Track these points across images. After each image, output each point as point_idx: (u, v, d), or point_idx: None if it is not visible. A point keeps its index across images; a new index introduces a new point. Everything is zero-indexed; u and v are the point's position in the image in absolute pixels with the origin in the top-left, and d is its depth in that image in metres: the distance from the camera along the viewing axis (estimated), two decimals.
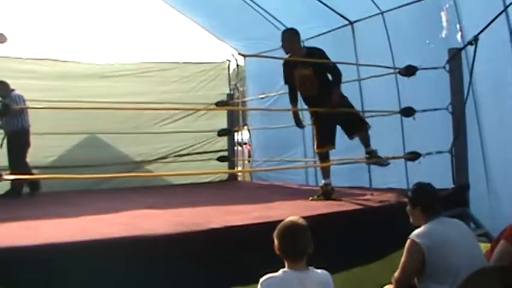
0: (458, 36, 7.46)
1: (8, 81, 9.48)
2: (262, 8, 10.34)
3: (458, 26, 7.48)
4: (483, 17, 6.36)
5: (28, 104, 8.68)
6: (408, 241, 4.07)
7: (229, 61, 12.29)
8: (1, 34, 4.84)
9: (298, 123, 7.49)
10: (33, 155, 9.98)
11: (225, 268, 4.68)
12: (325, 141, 7.25)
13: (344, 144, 9.67)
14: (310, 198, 7.14)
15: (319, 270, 3.49)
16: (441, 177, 6.65)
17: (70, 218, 5.72)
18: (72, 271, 3.99)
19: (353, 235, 5.61)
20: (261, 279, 3.38)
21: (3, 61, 9.94)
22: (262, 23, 10.58)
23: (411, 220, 4.37)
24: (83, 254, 4.11)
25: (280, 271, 3.42)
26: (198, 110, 10.46)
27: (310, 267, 3.47)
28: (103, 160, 10.15)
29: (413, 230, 4.15)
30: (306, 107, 7.44)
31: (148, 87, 11.20)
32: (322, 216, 5.63)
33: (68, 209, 6.57)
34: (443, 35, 7.74)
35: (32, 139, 8.99)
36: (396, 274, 4.10)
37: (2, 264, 3.80)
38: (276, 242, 3.50)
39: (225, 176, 11.69)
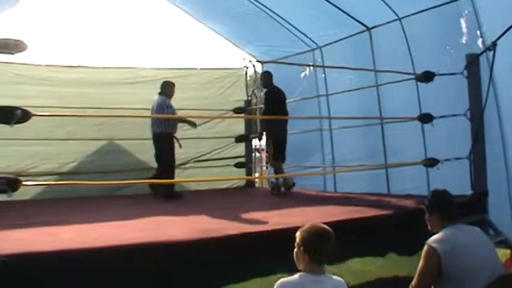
0: (479, 42, 7.41)
1: (27, 87, 9.64)
2: (279, 16, 10.34)
3: (478, 32, 7.43)
4: (504, 23, 6.32)
5: (47, 111, 8.77)
6: (425, 247, 4.06)
7: (247, 67, 12.30)
8: (21, 42, 4.88)
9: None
10: (52, 161, 10.09)
11: (243, 274, 4.69)
12: None
13: (363, 152, 9.71)
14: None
15: (334, 277, 3.46)
16: (461, 184, 6.62)
17: (89, 224, 5.76)
18: (92, 277, 4.02)
19: (370, 240, 5.62)
20: (277, 282, 3.37)
21: (23, 68, 10.04)
22: (280, 30, 10.59)
23: (429, 227, 4.36)
24: (102, 260, 4.14)
25: (297, 275, 3.39)
26: (214, 118, 10.48)
27: (326, 273, 3.43)
28: (122, 166, 10.22)
29: (430, 237, 4.14)
30: None
31: None
32: (340, 222, 5.61)
33: (87, 216, 6.59)
34: (464, 41, 7.69)
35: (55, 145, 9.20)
36: (414, 281, 4.08)
37: (21, 270, 3.83)
38: (301, 242, 3.44)
39: (242, 182, 11.69)
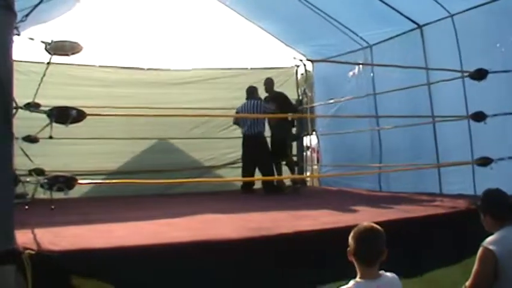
0: None
1: (82, 88, 9.85)
2: (329, 16, 10.30)
3: None
4: None
5: (98, 111, 8.93)
6: (480, 249, 4.00)
7: (298, 66, 12.28)
8: (77, 44, 4.97)
9: None
10: (104, 161, 10.26)
11: (294, 273, 4.70)
12: None
13: (411, 152, 9.58)
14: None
15: (388, 274, 3.38)
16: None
17: (141, 221, 5.85)
18: (142, 275, 4.09)
19: (423, 241, 5.57)
20: None
21: (77, 69, 10.24)
22: (331, 29, 10.53)
23: (486, 228, 4.28)
24: (154, 258, 4.20)
25: (352, 282, 3.30)
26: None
27: (381, 272, 3.35)
28: (173, 165, 10.33)
29: (486, 237, 4.08)
30: None
31: (216, 94, 11.35)
32: (392, 221, 5.57)
33: (138, 214, 6.69)
34: None
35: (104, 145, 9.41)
36: (468, 282, 4.03)
37: (76, 266, 3.92)
38: (351, 244, 3.37)
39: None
